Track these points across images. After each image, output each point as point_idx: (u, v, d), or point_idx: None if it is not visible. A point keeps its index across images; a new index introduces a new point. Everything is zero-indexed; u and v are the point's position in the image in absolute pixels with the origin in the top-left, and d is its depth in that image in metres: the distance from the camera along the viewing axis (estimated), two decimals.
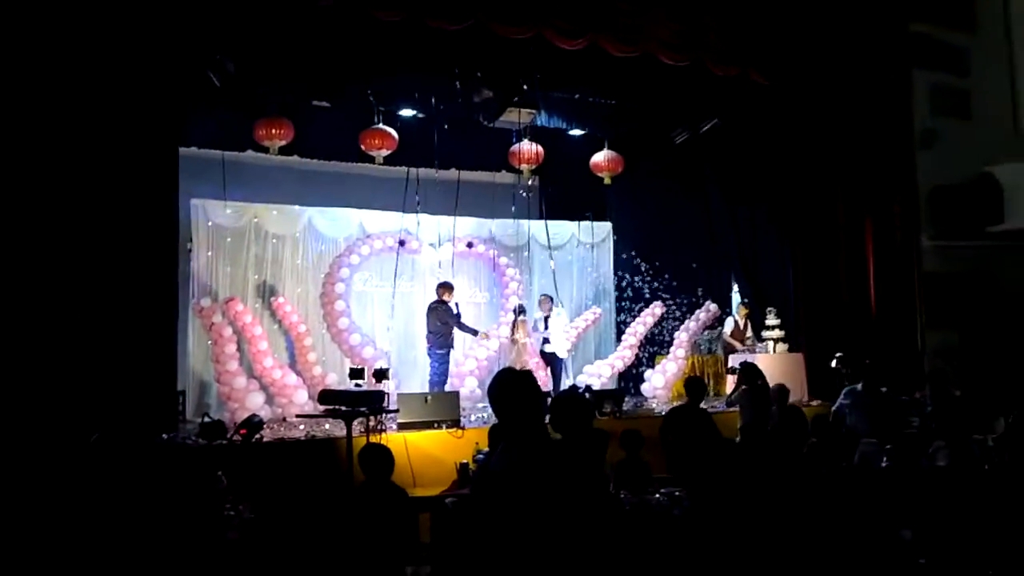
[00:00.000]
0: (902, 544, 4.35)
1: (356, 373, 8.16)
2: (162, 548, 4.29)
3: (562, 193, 13.51)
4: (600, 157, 12.37)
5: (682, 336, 12.47)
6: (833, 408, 8.26)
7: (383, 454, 5.20)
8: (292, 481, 7.17)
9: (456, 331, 10.62)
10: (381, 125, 11.01)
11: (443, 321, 10.27)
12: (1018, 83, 11.44)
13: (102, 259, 7.64)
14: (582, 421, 3.87)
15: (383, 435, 7.31)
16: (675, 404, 7.87)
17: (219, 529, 4.74)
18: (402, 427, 8.20)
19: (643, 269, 13.89)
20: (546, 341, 11.29)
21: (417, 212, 11.15)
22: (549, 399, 3.61)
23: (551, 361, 11.28)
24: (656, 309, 12.96)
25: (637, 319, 13.03)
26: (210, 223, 11.27)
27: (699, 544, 4.11)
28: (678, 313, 13.50)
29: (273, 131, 10.60)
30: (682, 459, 5.24)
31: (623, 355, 12.58)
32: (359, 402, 6.89)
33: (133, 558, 4.26)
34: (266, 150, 10.86)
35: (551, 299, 11.82)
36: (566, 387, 10.77)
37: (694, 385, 7.61)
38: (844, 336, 10.69)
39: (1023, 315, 11.00)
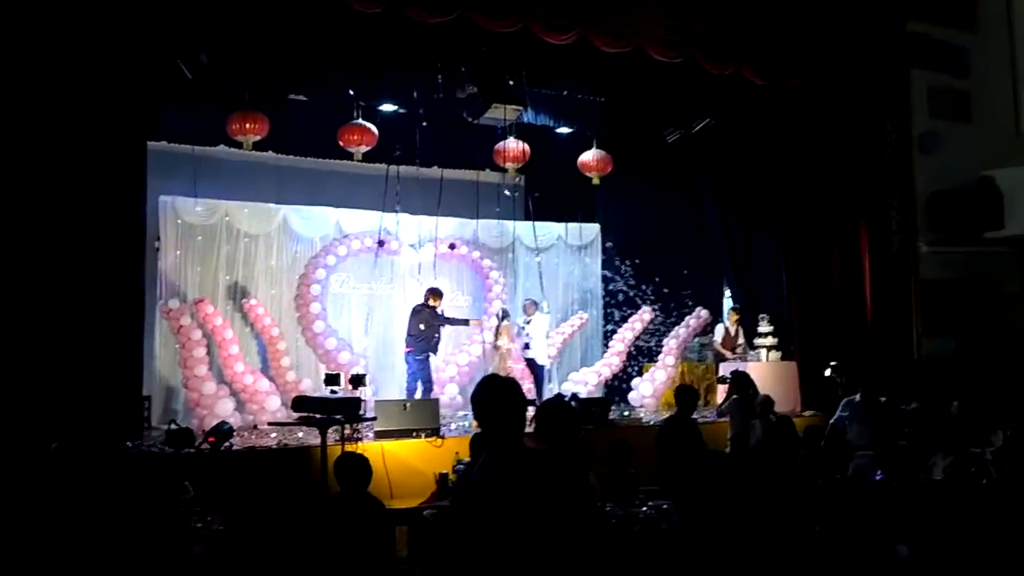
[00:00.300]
0: (897, 560, 4.37)
1: (331, 379, 8.12)
2: (125, 562, 4.24)
3: (549, 193, 13.54)
4: (588, 156, 12.39)
5: (671, 343, 12.49)
6: (831, 420, 8.29)
7: (360, 464, 5.17)
8: (263, 492, 7.08)
9: (442, 337, 10.63)
10: (360, 120, 10.98)
11: (428, 324, 10.26)
12: (1020, 85, 11.56)
13: (64, 257, 7.56)
14: (568, 431, 3.87)
15: (359, 444, 7.28)
16: (669, 414, 7.87)
17: (185, 542, 4.70)
18: (379, 435, 8.18)
19: (632, 273, 13.93)
20: (527, 347, 11.30)
21: (397, 211, 11.15)
22: (533, 408, 3.60)
23: (533, 368, 11.30)
24: (645, 315, 12.99)
25: (625, 325, 13.05)
26: (179, 221, 11.20)
27: (687, 559, 4.11)
28: (668, 319, 13.55)
29: (247, 125, 10.56)
30: (671, 471, 5.24)
31: (610, 362, 12.59)
32: (335, 409, 6.87)
33: (95, 573, 4.21)
34: (239, 145, 10.80)
35: (535, 303, 11.84)
36: (550, 395, 10.77)
37: (684, 394, 7.63)
38: (839, 344, 10.75)
39: (1021, 323, 11.12)
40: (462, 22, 8.90)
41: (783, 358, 11.44)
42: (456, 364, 11.89)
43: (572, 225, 13.73)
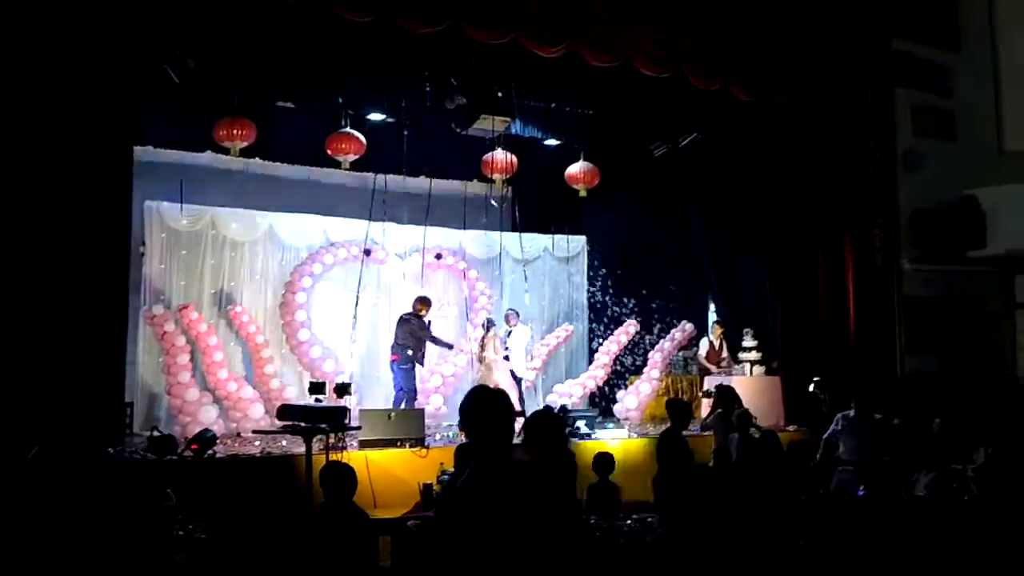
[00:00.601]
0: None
1: (316, 387, 8.10)
2: (106, 570, 4.21)
3: (536, 205, 13.58)
4: (576, 169, 12.44)
5: (656, 356, 12.54)
6: (825, 435, 8.33)
7: (345, 473, 5.16)
8: (247, 500, 7.06)
9: (429, 347, 10.61)
10: (348, 129, 10.99)
11: (415, 335, 10.25)
12: (1003, 103, 11.70)
13: (48, 261, 7.50)
14: (556, 442, 3.89)
15: (344, 453, 7.26)
16: (665, 427, 7.84)
17: (167, 550, 4.67)
18: (363, 445, 8.16)
19: (617, 286, 13.98)
20: (506, 359, 11.32)
21: (384, 221, 11.15)
22: (521, 419, 3.61)
23: (514, 377, 11.31)
24: (630, 328, 13.03)
25: (610, 337, 13.09)
26: (165, 227, 11.17)
27: (671, 571, 4.12)
28: (653, 332, 13.59)
29: (234, 132, 10.54)
30: (662, 485, 5.27)
31: (595, 375, 12.62)
32: (319, 418, 6.85)
33: None
34: (226, 152, 10.79)
35: (517, 314, 11.87)
36: (533, 408, 10.77)
37: (677, 408, 7.53)
38: (822, 359, 10.83)
39: (1002, 341, 11.22)
40: (452, 33, 8.93)
41: (767, 372, 11.49)
42: (441, 374, 11.87)
43: (559, 237, 13.78)
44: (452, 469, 6.60)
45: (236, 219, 11.62)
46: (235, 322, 11.21)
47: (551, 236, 13.70)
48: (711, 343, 12.42)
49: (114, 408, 8.25)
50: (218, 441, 8.09)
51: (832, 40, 10.89)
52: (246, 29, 9.05)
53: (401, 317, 10.52)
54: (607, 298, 14.06)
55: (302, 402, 8.82)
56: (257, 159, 11.91)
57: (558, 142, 12.41)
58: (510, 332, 11.68)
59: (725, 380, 10.66)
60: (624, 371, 13.51)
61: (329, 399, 8.45)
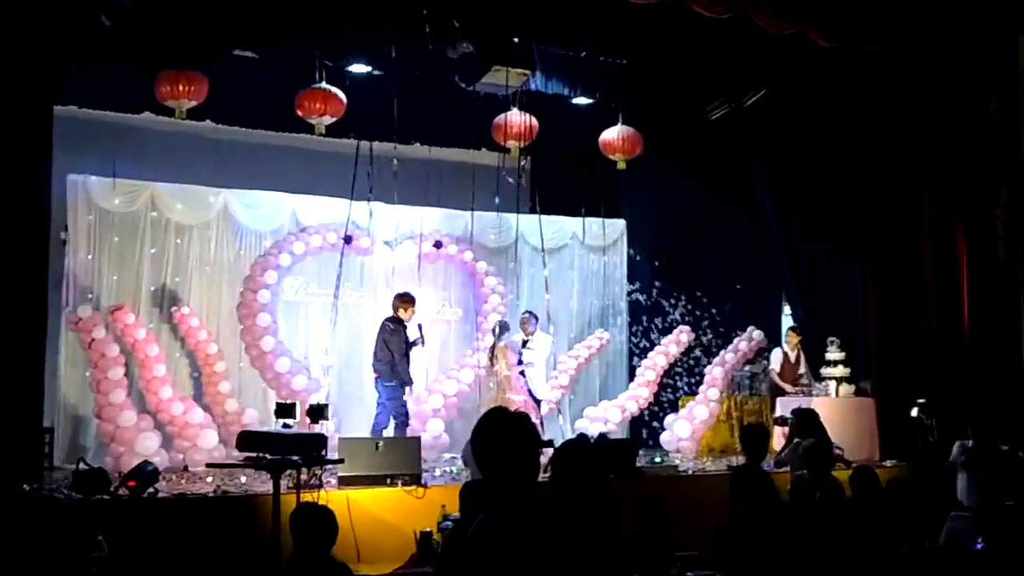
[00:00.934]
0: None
1: (284, 410, 8.10)
2: None
3: (561, 180, 13.58)
4: (612, 134, 12.42)
5: (715, 372, 12.52)
6: (946, 463, 8.37)
7: (323, 519, 5.17)
8: (198, 550, 7.11)
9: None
10: (324, 85, 11.00)
11: (390, 344, 10.26)
12: None
13: None
14: (592, 480, 3.88)
15: (320, 493, 7.27)
16: (739, 463, 7.81)
17: None
18: (345, 482, 8.18)
19: (666, 282, 13.95)
20: (522, 374, 11.31)
21: (369, 200, 11.16)
22: (550, 450, 3.61)
23: (532, 397, 11.33)
24: (682, 336, 13.01)
25: (657, 348, 13.08)
26: (93, 207, 11.22)
27: None
28: (710, 342, 13.56)
29: (181, 88, 10.56)
30: (730, 534, 5.25)
31: (638, 395, 12.61)
32: (289, 448, 6.86)
33: None
34: (171, 113, 10.81)
35: (535, 318, 11.84)
36: (556, 435, 10.82)
37: (753, 436, 7.43)
38: (928, 376, 10.76)
39: None
40: None
41: (857, 393, 11.45)
42: (442, 394, 11.89)
43: (591, 221, 13.75)
44: (456, 514, 6.60)
45: (182, 197, 11.66)
46: (181, 327, 11.25)
47: (581, 219, 13.68)
48: (785, 355, 12.38)
49: (30, 435, 8.28)
50: (160, 477, 8.10)
51: None
52: None
53: (382, 323, 10.57)
54: (652, 298, 14.03)
55: (266, 428, 8.83)
56: (209, 122, 11.92)
57: (590, 101, 12.39)
58: (527, 341, 11.68)
59: (803, 402, 10.62)
60: (674, 391, 13.47)
61: (301, 424, 8.44)
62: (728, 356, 12.73)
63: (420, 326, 10.69)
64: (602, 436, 10.25)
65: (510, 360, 11.00)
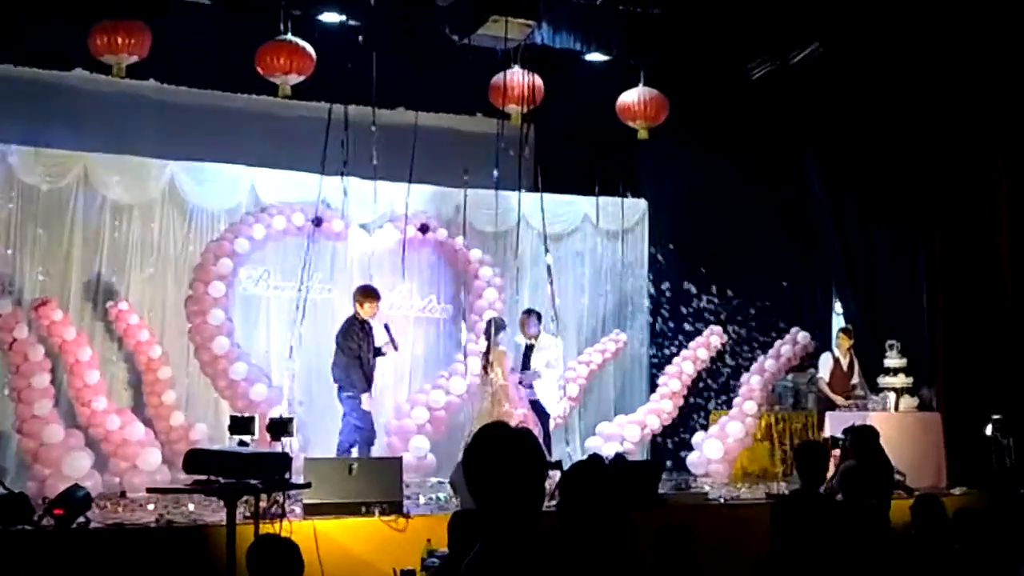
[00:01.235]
0: None
1: (240, 424, 8.12)
2: None
3: (572, 153, 13.58)
4: (633, 97, 12.40)
5: (753, 382, 12.55)
6: None
7: (286, 554, 5.18)
8: None
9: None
10: (290, 37, 11.00)
11: (348, 347, 10.26)
12: None
13: None
14: (606, 509, 3.90)
15: (283, 523, 7.29)
16: (791, 489, 7.77)
17: None
18: (312, 511, 8.19)
19: (695, 275, 13.95)
20: (528, 385, 11.30)
21: (343, 175, 11.16)
22: (557, 473, 3.63)
23: (538, 409, 11.32)
24: (713, 338, 13.03)
25: (683, 353, 13.11)
26: (14, 183, 11.22)
27: None
28: (747, 346, 13.59)
29: (119, 41, 10.53)
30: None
31: (660, 409, 12.65)
32: (246, 470, 6.85)
33: None
34: (108, 70, 10.81)
35: (537, 318, 11.80)
36: (565, 455, 10.82)
37: (810, 455, 7.34)
38: (1005, 387, 10.77)
39: None
40: None
41: (920, 407, 11.48)
42: (428, 406, 11.91)
43: (606, 201, 13.77)
44: (444, 549, 6.61)
45: (120, 171, 11.66)
46: (119, 326, 11.25)
47: (594, 199, 13.69)
48: (836, 362, 12.39)
49: None
50: (93, 504, 8.09)
51: None
52: None
53: (343, 323, 10.58)
54: (678, 293, 14.02)
55: (219, 446, 8.85)
56: (152, 81, 11.90)
57: (606, 58, 12.39)
58: (531, 346, 11.66)
59: (858, 418, 10.63)
60: (704, 404, 13.51)
61: (260, 442, 8.46)
62: (768, 363, 12.74)
63: (388, 327, 10.68)
64: (618, 457, 10.25)
65: (507, 366, 11.00)
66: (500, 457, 3.13)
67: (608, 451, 11.30)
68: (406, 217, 12.00)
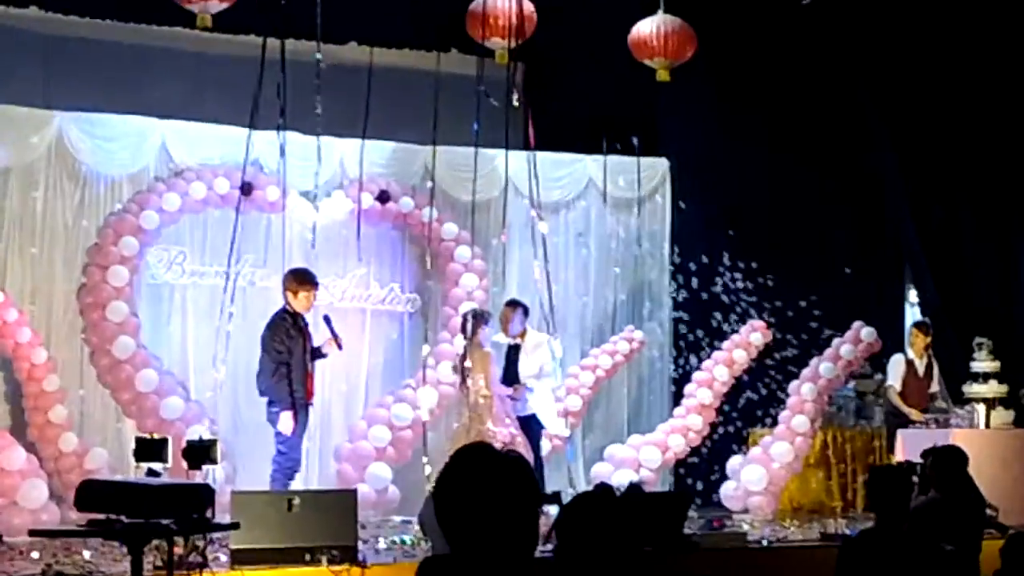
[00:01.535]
0: None
1: (149, 449, 8.07)
2: None
3: (572, 99, 13.56)
4: (649, 28, 12.36)
5: (804, 391, 12.55)
6: None
7: None
8: None
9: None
10: None
11: (276, 350, 10.19)
12: None
13: None
14: (618, 554, 3.87)
15: (205, 574, 7.25)
16: (862, 528, 7.74)
17: None
18: (241, 559, 8.17)
19: (731, 256, 13.94)
20: (518, 398, 11.28)
21: (280, 129, 11.13)
22: (554, 508, 3.59)
23: (528, 427, 11.29)
24: (754, 336, 13.02)
25: (716, 354, 13.12)
26: None
27: None
28: (796, 344, 13.62)
29: None
30: None
31: (687, 426, 12.67)
32: (157, 507, 6.84)
33: None
34: None
35: (525, 311, 11.74)
36: (564, 485, 10.80)
37: (889, 483, 7.33)
38: None
39: None
40: None
41: (1018, 422, 11.50)
42: (389, 424, 11.91)
43: (616, 161, 13.74)
44: None
45: None
46: None
47: (601, 159, 13.67)
48: (910, 365, 12.40)
49: None
50: None
51: None
52: None
53: (270, 320, 10.51)
54: (710, 280, 14.01)
55: (122, 477, 8.79)
56: (34, 9, 11.87)
57: None
58: (517, 345, 11.60)
59: (939, 436, 10.63)
60: (741, 419, 13.55)
61: (175, 472, 8.39)
62: (824, 367, 12.72)
63: (328, 320, 10.59)
64: (634, 488, 10.23)
65: (492, 373, 10.96)
66: (481, 488, 3.11)
67: (620, 480, 11.29)
68: (360, 183, 12.00)
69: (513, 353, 11.54)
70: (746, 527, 10.86)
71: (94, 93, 12.11)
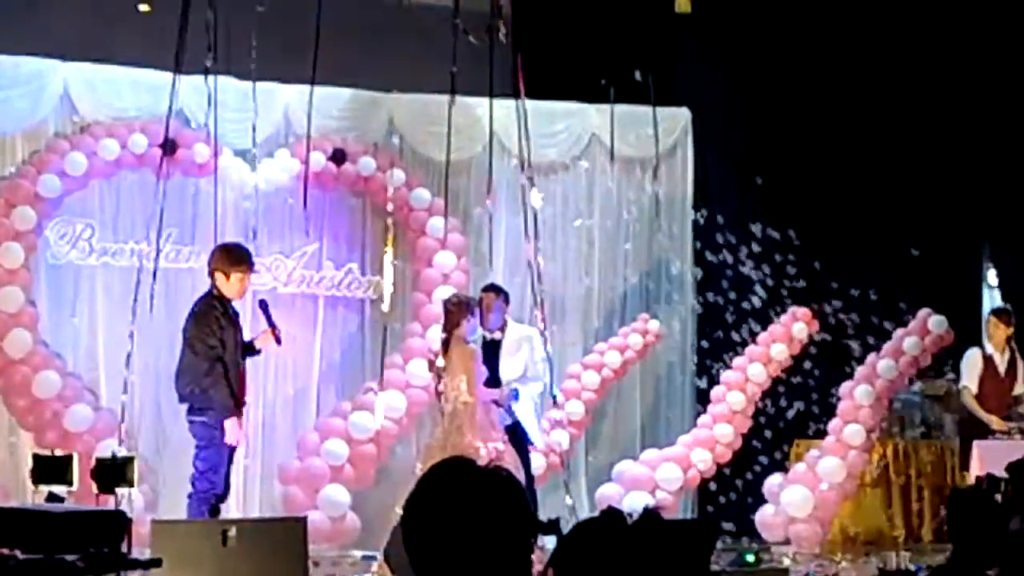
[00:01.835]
0: None
1: (50, 468, 8.06)
2: None
3: (571, 36, 13.60)
4: None
5: (859, 393, 12.57)
6: None
7: None
8: None
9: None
10: None
11: (200, 344, 10.17)
12: None
13: None
14: None
15: None
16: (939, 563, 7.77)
17: None
18: None
19: (767, 227, 13.96)
20: (495, 403, 11.29)
21: (208, 73, 11.13)
22: (552, 537, 3.57)
23: (514, 439, 11.30)
24: (797, 326, 13.02)
25: (749, 350, 13.16)
26: None
27: None
28: (848, 337, 13.65)
29: None
30: None
31: (714, 437, 12.70)
32: (60, 539, 6.83)
33: None
34: None
35: (506, 298, 11.72)
36: (582, 512, 10.78)
37: (969, 508, 7.34)
38: None
39: None
40: None
41: None
42: (346, 438, 11.92)
43: (626, 112, 13.74)
44: None
45: None
46: None
47: (607, 108, 13.66)
48: (987, 362, 12.43)
49: None
50: None
51: None
52: None
53: (194, 306, 10.48)
54: (742, 257, 14.03)
55: (17, 503, 8.77)
56: None
57: None
58: (496, 341, 11.58)
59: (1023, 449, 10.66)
60: (781, 429, 13.58)
61: (82, 496, 8.39)
62: (883, 365, 12.73)
63: (264, 306, 10.53)
64: (649, 515, 10.23)
65: (476, 372, 10.95)
66: (462, 515, 3.10)
67: (632, 505, 11.32)
68: (308, 139, 11.97)
69: (491, 351, 11.47)
70: (787, 562, 10.90)
71: None
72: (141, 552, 7.96)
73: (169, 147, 11.66)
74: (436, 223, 12.78)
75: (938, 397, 13.08)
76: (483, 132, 12.18)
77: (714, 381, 13.31)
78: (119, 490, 8.50)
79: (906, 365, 12.83)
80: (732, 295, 14.03)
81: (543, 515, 10.47)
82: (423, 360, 11.47)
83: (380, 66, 12.10)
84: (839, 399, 12.76)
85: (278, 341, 10.37)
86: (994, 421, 12.12)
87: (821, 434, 12.82)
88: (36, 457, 8.51)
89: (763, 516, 12.37)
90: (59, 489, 7.95)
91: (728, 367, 13.24)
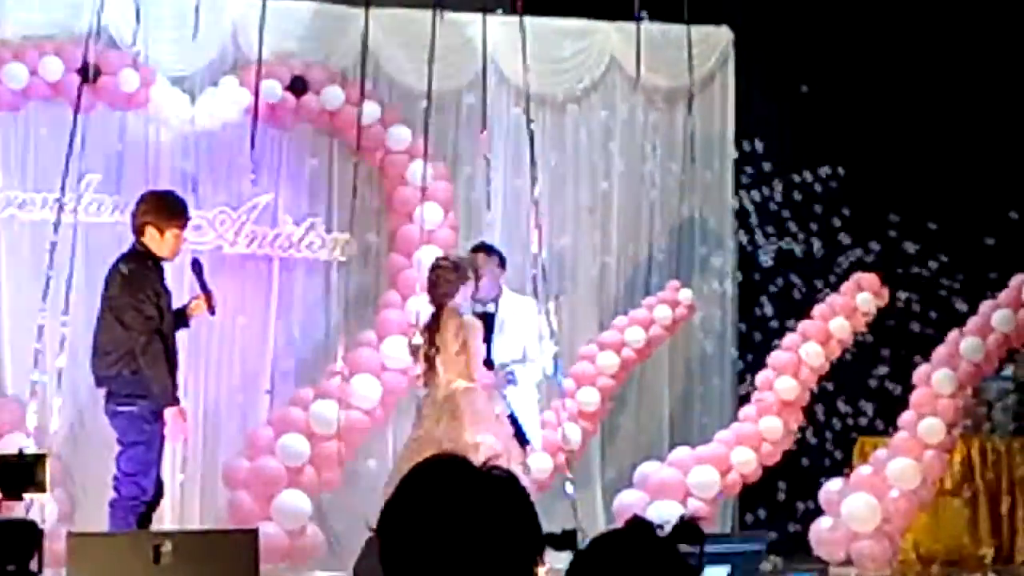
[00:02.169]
0: None
1: None
2: None
3: None
4: None
5: (938, 380, 12.61)
6: None
7: None
8: None
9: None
10: None
11: (124, 319, 10.17)
12: None
13: None
14: None
15: None
16: None
17: None
18: None
19: (826, 178, 13.98)
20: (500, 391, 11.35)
21: None
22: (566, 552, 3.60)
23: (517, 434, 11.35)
24: (861, 295, 13.05)
25: (802, 326, 13.18)
26: None
27: None
28: (925, 307, 13.69)
29: None
30: None
31: (759, 434, 12.77)
32: None
33: None
34: None
35: (501, 261, 11.71)
36: (600, 523, 10.82)
37: None
38: None
39: None
40: None
41: None
42: (308, 432, 11.93)
43: (654, 31, 13.74)
44: None
45: None
46: None
47: (630, 28, 13.62)
48: None
49: None
50: None
51: None
52: None
53: (117, 266, 10.48)
54: (795, 213, 14.05)
55: None
56: None
57: None
58: (488, 315, 11.59)
59: None
60: (841, 423, 13.65)
61: None
62: (967, 345, 12.78)
63: (197, 265, 10.53)
64: (684, 526, 10.29)
65: (476, 351, 10.95)
66: (452, 525, 3.11)
67: (661, 514, 11.36)
68: (259, 64, 12.00)
69: (483, 325, 11.50)
70: None
71: None
72: (56, 572, 8.01)
73: (89, 75, 11.69)
74: (417, 168, 12.76)
75: None
76: (475, 56, 12.21)
77: (759, 365, 13.35)
78: (28, 496, 8.54)
79: (995, 344, 12.86)
80: (782, 260, 14.04)
81: (548, 527, 10.54)
82: (402, 337, 11.48)
83: None
84: (913, 387, 12.80)
85: (211, 310, 10.31)
86: None
87: (890, 430, 12.82)
88: None
89: (819, 530, 12.38)
90: None
91: (776, 347, 13.27)
